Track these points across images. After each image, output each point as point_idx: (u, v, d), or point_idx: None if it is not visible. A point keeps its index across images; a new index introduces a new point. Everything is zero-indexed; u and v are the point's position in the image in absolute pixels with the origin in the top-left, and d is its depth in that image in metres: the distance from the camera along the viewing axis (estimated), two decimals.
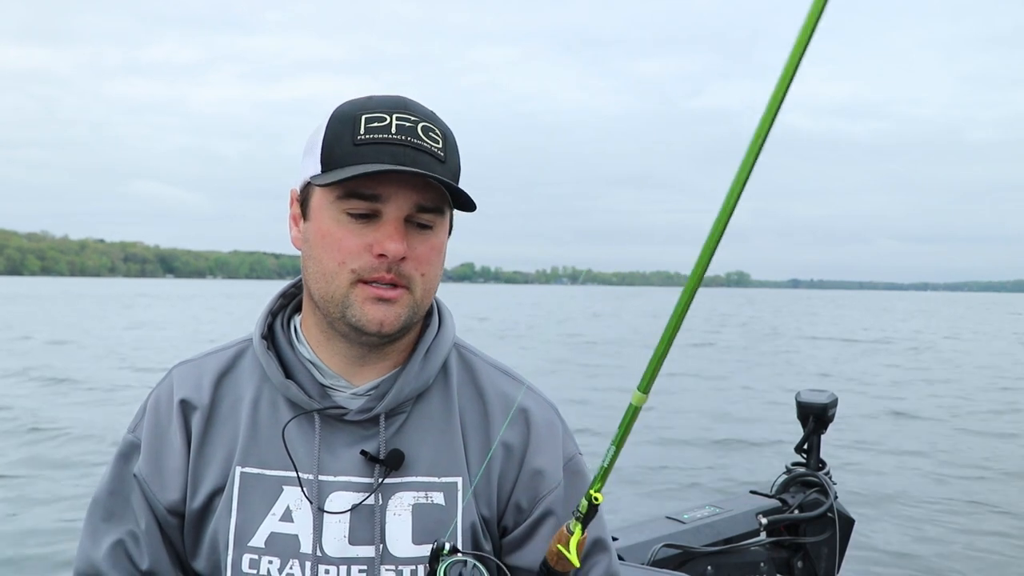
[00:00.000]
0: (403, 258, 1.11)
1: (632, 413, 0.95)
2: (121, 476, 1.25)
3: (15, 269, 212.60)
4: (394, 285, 1.12)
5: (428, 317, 1.27)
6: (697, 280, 0.89)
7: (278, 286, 1.36)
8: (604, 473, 1.03)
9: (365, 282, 1.12)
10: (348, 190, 1.10)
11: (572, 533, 1.07)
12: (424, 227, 1.13)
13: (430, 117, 1.15)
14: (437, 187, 1.11)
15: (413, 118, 1.12)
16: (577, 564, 1.07)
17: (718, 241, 0.86)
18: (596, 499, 1.05)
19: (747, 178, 0.84)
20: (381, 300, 1.12)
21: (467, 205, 1.15)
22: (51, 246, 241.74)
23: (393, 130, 1.10)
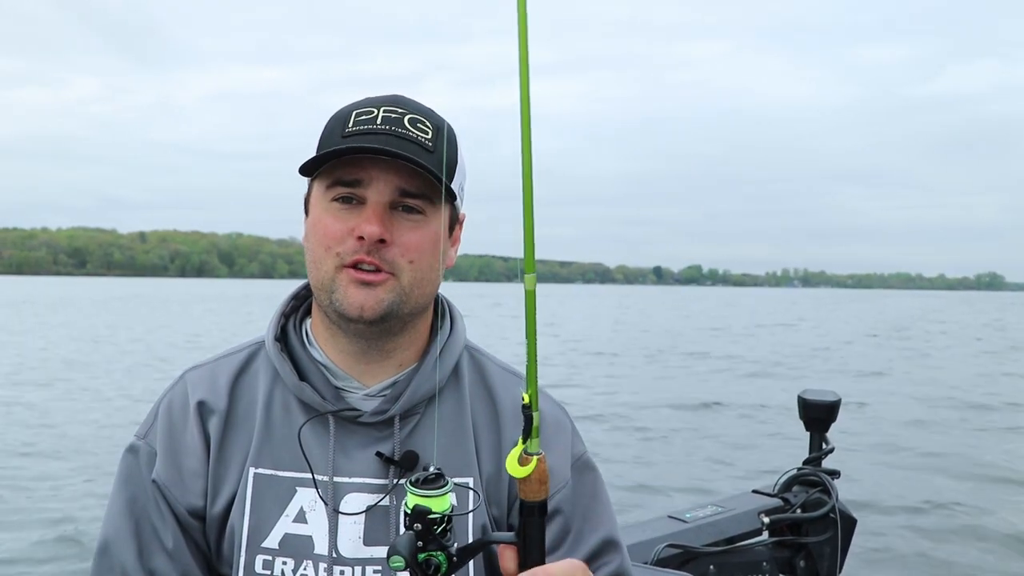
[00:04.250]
0: (383, 241, 1.12)
1: (529, 298, 0.92)
2: (135, 498, 1.20)
3: (267, 273, 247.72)
4: (378, 270, 1.13)
5: (442, 319, 1.28)
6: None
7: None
8: (532, 370, 0.95)
9: (350, 267, 1.13)
10: (334, 179, 1.14)
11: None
12: (412, 212, 1.14)
13: (422, 111, 1.17)
14: (423, 175, 1.11)
15: (401, 110, 1.15)
16: (516, 474, 0.95)
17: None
18: (525, 400, 0.94)
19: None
20: (363, 284, 1.13)
21: (450, 195, 1.15)
22: (298, 251, 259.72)
23: (379, 121, 1.13)
